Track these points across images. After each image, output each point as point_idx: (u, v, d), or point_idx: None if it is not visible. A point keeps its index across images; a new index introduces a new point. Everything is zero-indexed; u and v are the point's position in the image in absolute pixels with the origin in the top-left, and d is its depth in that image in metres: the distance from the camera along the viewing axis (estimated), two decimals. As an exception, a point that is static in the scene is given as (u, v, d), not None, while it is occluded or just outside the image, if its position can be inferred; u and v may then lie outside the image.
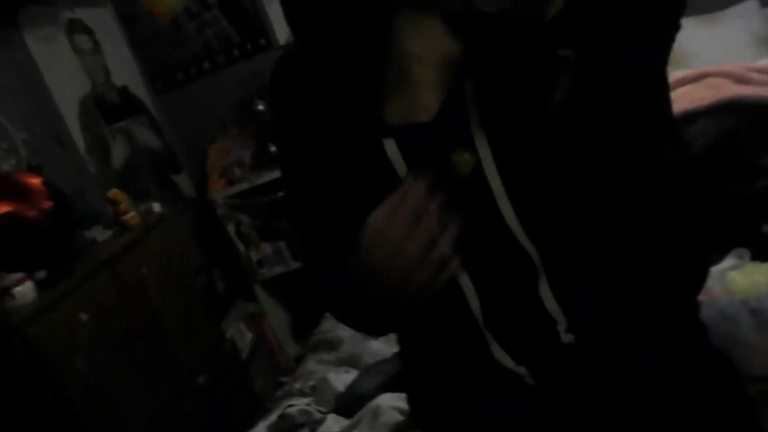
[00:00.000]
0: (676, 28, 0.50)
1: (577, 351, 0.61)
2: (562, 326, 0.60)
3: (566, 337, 0.61)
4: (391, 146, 0.61)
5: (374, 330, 0.75)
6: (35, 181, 1.70)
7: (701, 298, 0.69)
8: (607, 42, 0.48)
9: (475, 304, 0.63)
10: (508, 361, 0.63)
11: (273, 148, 2.80)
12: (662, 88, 0.55)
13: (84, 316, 1.82)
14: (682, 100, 1.47)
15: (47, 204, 1.65)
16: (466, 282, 0.62)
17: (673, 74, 1.60)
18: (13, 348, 1.60)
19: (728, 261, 1.36)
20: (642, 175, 0.56)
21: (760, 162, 1.39)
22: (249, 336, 2.89)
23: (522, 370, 0.62)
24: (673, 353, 0.66)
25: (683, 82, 1.56)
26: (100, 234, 2.19)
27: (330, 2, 0.61)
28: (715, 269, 1.33)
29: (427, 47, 0.62)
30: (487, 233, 0.60)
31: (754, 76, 1.52)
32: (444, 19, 0.61)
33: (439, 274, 0.55)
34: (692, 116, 1.44)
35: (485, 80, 0.58)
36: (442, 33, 0.61)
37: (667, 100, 0.57)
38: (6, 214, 1.61)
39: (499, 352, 0.63)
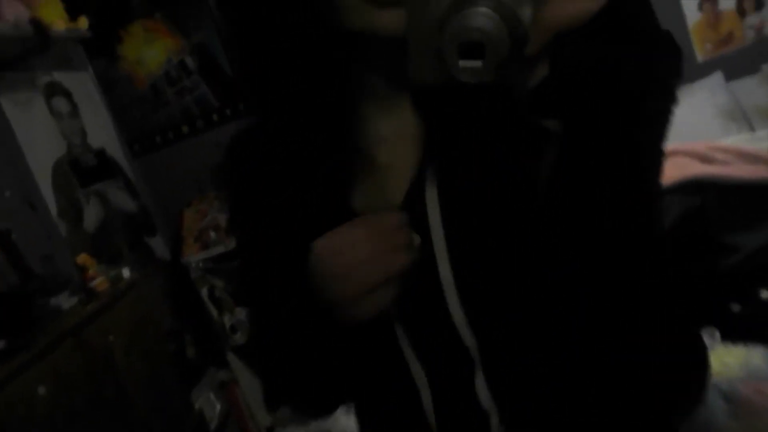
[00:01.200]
0: (674, 100, 0.46)
1: None
2: (494, 420, 0.58)
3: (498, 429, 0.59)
4: None
5: (322, 401, 0.69)
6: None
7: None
8: (598, 112, 0.44)
9: (426, 397, 0.61)
10: None
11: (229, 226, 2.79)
12: (657, 165, 0.49)
13: (42, 390, 1.74)
14: (650, 177, 1.49)
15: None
16: (418, 373, 0.60)
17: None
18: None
19: (699, 341, 1.34)
20: (628, 259, 0.49)
21: (726, 240, 1.41)
22: (218, 407, 2.80)
23: None
24: None
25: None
26: (66, 301, 2.13)
27: (295, 87, 0.59)
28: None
29: (395, 129, 0.60)
30: (431, 319, 0.59)
31: (718, 155, 1.56)
32: (412, 96, 0.59)
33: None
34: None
35: (449, 164, 0.57)
36: (410, 112, 0.59)
37: (659, 177, 0.51)
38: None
39: None
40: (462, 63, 0.42)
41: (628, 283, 0.50)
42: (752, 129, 2.22)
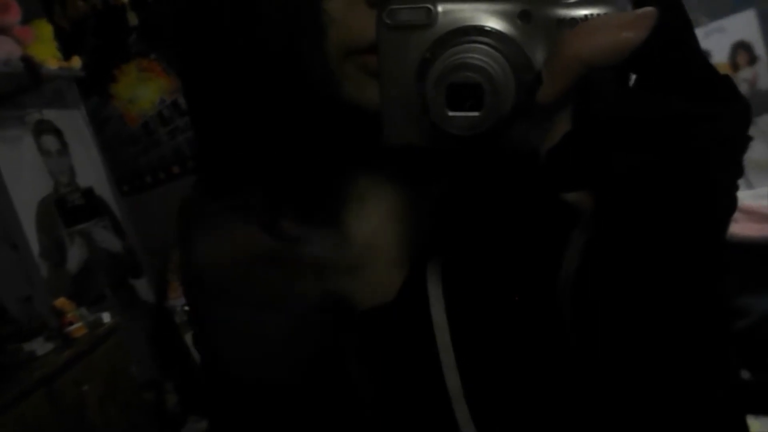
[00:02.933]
0: (741, 164, 0.32)
1: None
2: None
3: None
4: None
5: None
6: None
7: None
8: (646, 181, 0.30)
9: None
10: None
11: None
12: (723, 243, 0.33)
13: (7, 445, 1.64)
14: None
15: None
16: None
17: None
18: None
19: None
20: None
21: (735, 302, 1.34)
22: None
23: None
24: None
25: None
26: (40, 347, 2.04)
27: (284, 162, 0.48)
28: None
29: (383, 208, 0.52)
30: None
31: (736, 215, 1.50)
32: (394, 167, 0.50)
33: None
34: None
35: (455, 256, 0.47)
36: (402, 190, 0.51)
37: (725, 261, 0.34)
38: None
39: None
40: (451, 113, 0.32)
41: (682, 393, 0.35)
42: (750, 184, 2.18)
